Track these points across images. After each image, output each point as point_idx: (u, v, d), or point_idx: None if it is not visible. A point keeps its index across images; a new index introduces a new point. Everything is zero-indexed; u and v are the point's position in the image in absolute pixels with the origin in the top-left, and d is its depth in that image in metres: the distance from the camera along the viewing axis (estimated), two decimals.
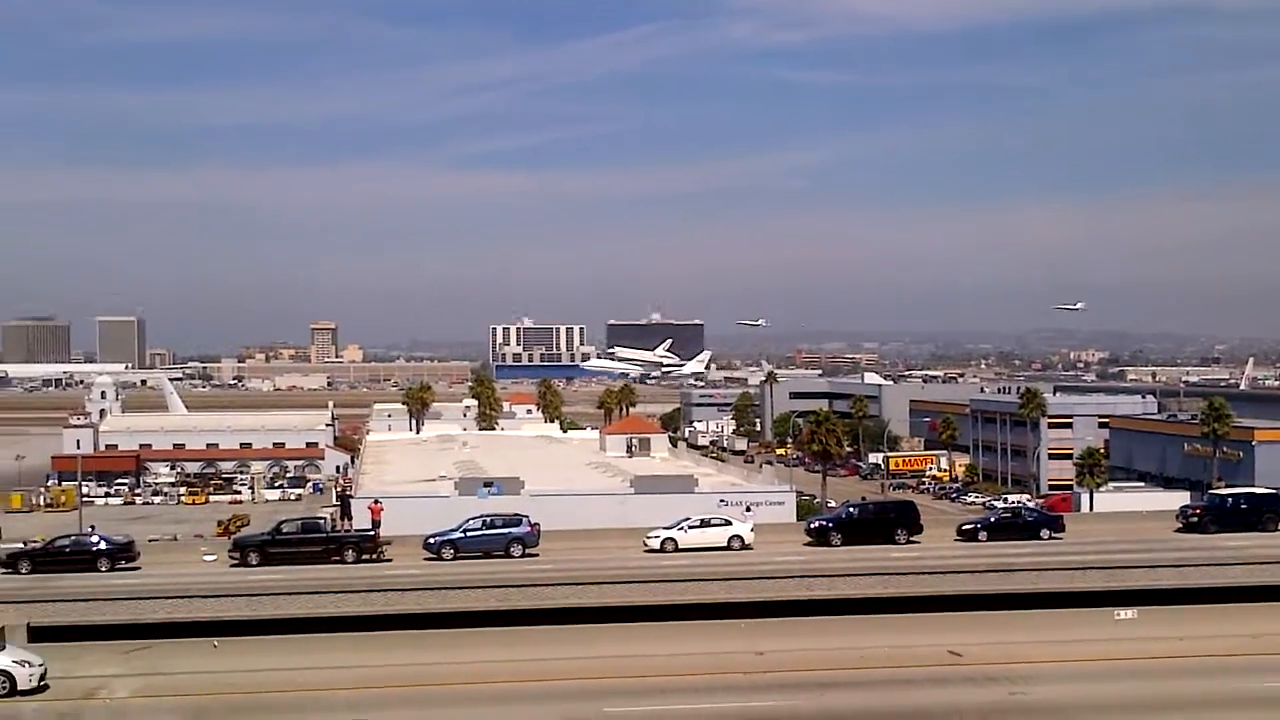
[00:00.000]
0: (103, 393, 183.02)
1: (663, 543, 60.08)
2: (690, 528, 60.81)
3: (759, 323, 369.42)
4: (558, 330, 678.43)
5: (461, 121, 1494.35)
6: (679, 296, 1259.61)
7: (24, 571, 59.98)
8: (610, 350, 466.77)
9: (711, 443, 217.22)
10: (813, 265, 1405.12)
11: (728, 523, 62.15)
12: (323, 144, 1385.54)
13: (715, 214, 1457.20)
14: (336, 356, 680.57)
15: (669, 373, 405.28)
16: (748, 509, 72.94)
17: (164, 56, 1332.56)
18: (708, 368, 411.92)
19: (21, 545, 68.29)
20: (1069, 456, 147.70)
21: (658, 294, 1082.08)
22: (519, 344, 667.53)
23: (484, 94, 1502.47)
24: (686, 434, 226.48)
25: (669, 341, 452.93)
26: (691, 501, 79.49)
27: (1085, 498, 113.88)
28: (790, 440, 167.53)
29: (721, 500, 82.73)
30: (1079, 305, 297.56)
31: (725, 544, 60.13)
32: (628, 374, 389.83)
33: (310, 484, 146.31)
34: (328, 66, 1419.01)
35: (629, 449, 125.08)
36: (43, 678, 39.98)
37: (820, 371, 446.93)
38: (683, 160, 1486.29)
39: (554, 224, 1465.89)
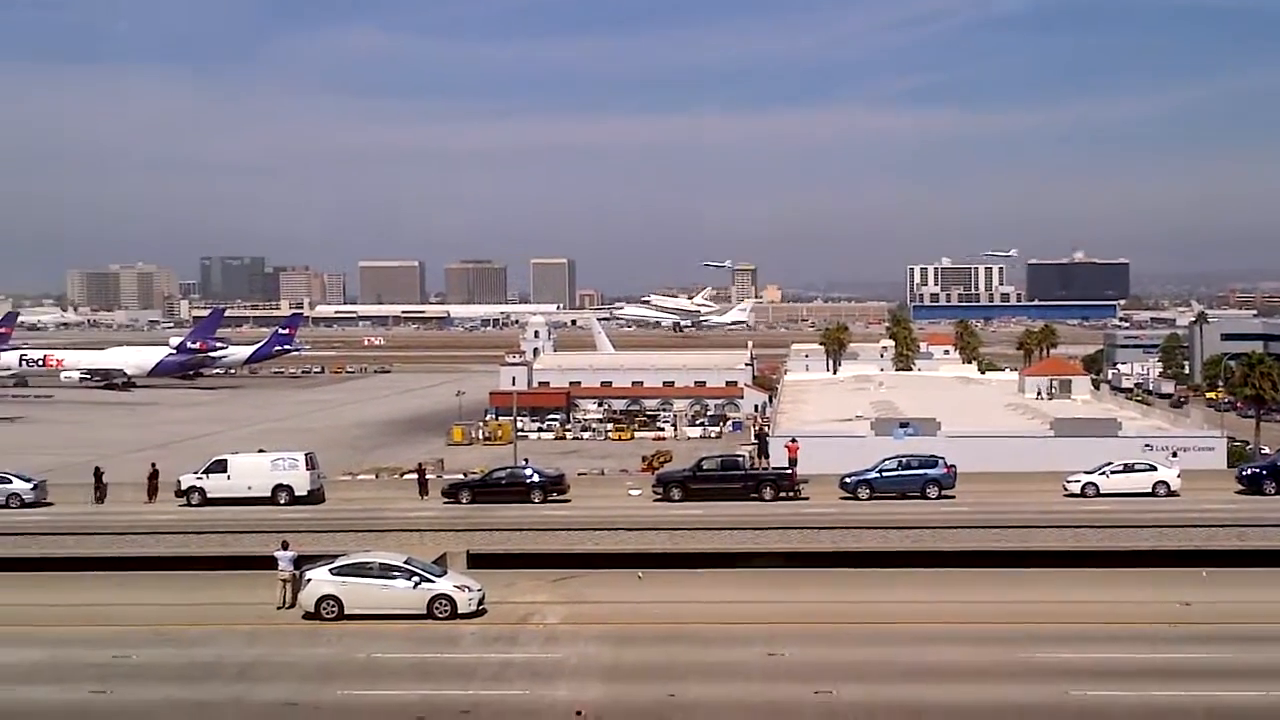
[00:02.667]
0: (536, 332, 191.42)
1: (1083, 487, 58.53)
2: (1113, 472, 59.02)
3: (1010, 253, 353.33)
4: (976, 270, 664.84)
5: (886, 59, 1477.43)
6: (1103, 236, 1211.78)
7: (464, 502, 63.64)
8: (645, 298, 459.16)
9: (1136, 385, 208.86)
10: (1246, 200, 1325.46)
11: (1152, 468, 59.99)
12: (746, 87, 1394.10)
13: (1141, 148, 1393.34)
14: (755, 297, 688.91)
15: (703, 321, 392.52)
16: (1174, 454, 70.15)
17: (619, 7, 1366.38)
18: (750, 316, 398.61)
19: (462, 476, 72.48)
20: None
21: (1080, 233, 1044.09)
22: (937, 284, 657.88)
23: (911, 29, 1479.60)
24: (1110, 376, 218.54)
25: (709, 289, 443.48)
26: (1114, 445, 76.92)
27: None
28: (1221, 384, 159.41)
29: (1146, 445, 79.77)
30: None
31: (1150, 490, 58.06)
32: (660, 321, 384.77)
33: (729, 422, 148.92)
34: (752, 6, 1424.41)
35: (1048, 391, 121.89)
36: (481, 602, 42.23)
37: (1255, 312, 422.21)
38: (1111, 92, 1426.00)
39: (973, 162, 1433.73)
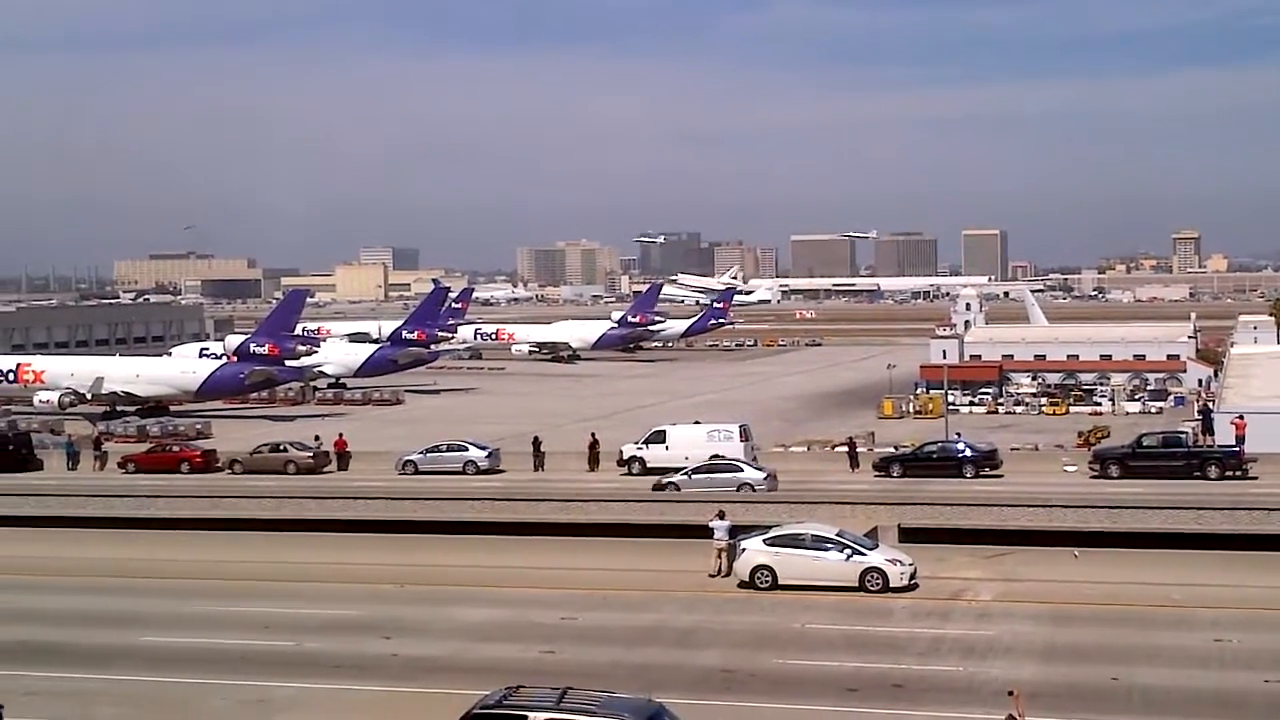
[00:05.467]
0: (967, 304, 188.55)
1: None
2: None
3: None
4: None
5: None
6: None
7: (895, 475, 63.91)
8: (673, 277, 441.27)
9: None
10: None
11: None
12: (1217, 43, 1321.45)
13: None
14: (1199, 266, 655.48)
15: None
16: None
17: None
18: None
19: (893, 450, 72.54)
20: None
21: None
22: None
23: None
24: None
25: (736, 269, 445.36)
26: None
27: None
28: None
29: None
30: None
31: None
32: (684, 300, 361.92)
33: (1171, 397, 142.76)
34: None
35: None
36: (912, 576, 42.31)
37: None
38: None
39: None
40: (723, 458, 65.20)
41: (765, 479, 62.66)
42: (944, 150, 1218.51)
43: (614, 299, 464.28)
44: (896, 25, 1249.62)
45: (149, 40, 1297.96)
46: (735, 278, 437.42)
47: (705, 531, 45.50)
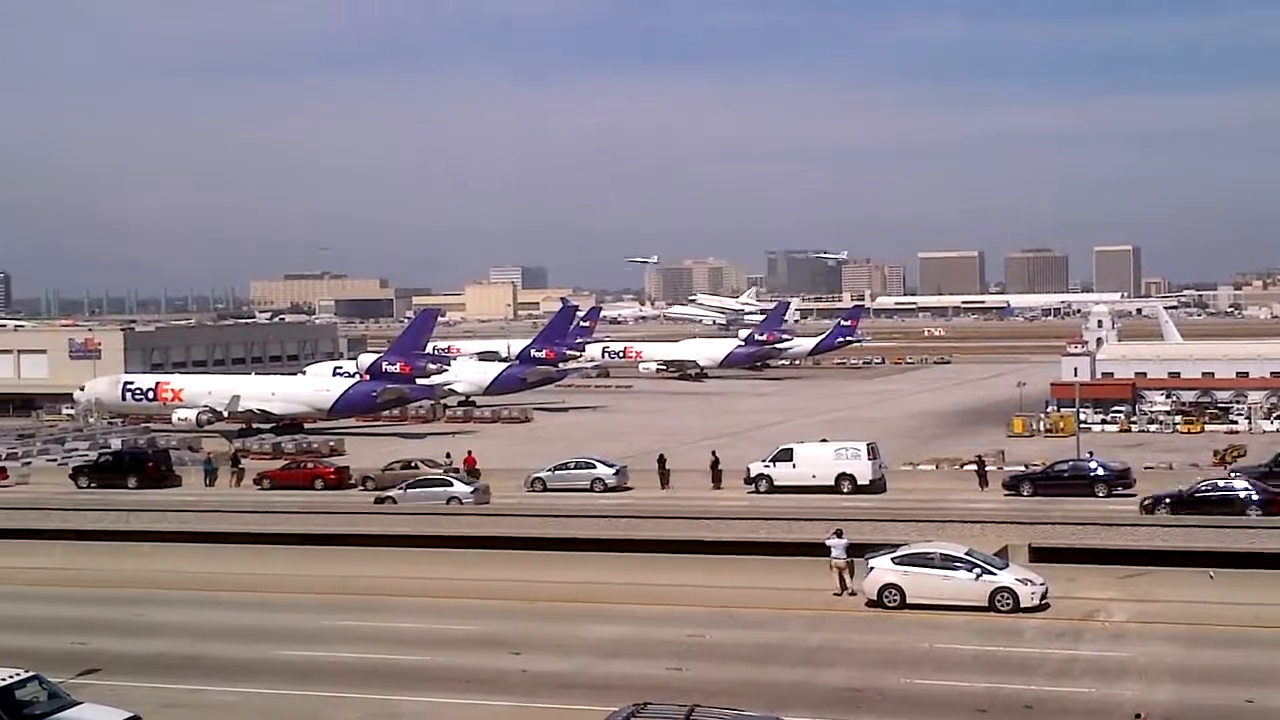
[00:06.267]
0: (1099, 321, 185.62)
1: None
2: None
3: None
4: None
5: None
6: None
7: (1025, 494, 63.17)
8: (692, 297, 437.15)
9: None
10: None
11: None
12: None
13: None
14: None
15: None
16: None
17: None
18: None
19: (1023, 468, 71.68)
20: None
21: None
22: None
23: None
24: None
25: (753, 290, 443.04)
26: None
27: None
28: None
29: None
30: None
31: None
32: (702, 319, 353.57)
33: None
34: None
35: None
36: (1043, 596, 41.79)
37: None
38: None
39: None
40: (431, 474, 71.34)
41: (473, 493, 67.24)
42: (1074, 166, 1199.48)
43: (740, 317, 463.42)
44: (1025, 40, 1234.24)
45: (283, 66, 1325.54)
46: (754, 298, 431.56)
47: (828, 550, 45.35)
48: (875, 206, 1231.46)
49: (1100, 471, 64.87)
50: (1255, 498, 56.69)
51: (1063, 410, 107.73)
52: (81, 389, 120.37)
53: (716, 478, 71.75)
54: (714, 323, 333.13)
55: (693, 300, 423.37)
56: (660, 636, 39.54)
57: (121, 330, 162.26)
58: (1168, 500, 57.86)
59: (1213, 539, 48.82)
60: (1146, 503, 58.18)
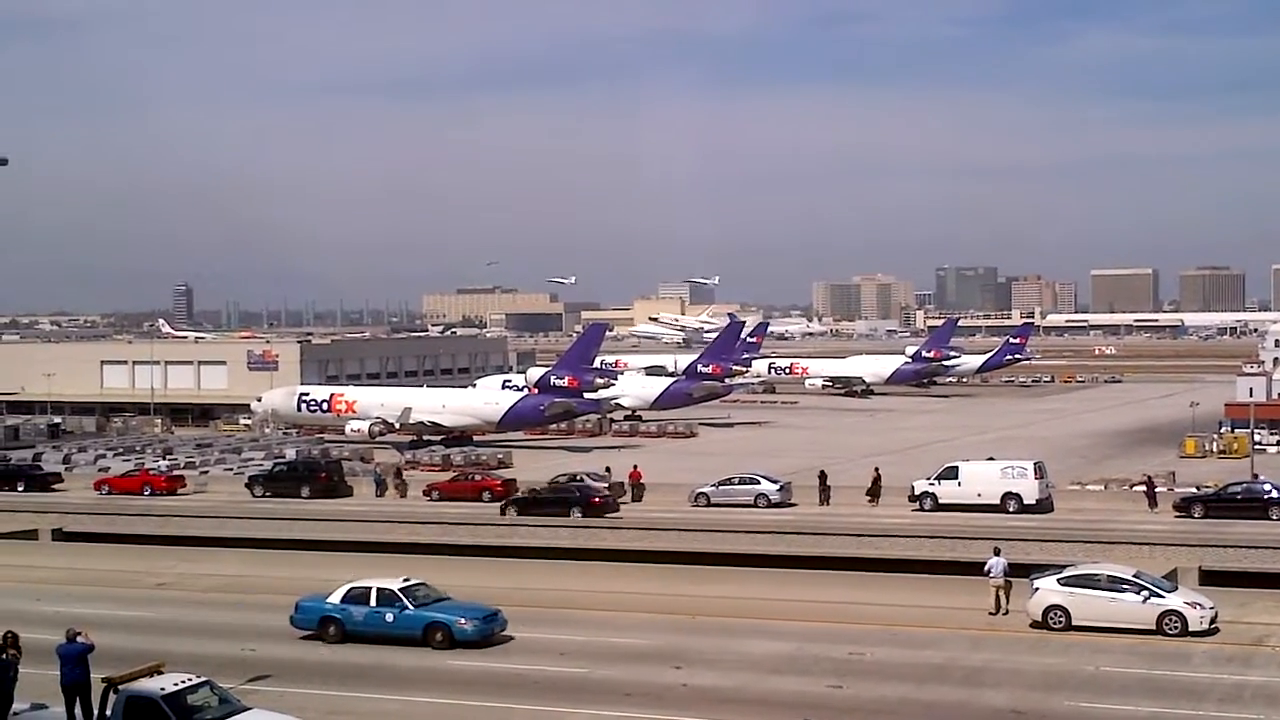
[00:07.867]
0: (1276, 341, 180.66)
1: None
2: None
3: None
4: None
5: None
6: None
7: (1196, 516, 61.99)
8: (654, 316, 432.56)
9: None
10: None
11: None
12: None
13: None
14: None
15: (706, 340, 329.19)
16: None
17: None
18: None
19: (1195, 490, 70.24)
20: None
21: None
22: None
23: None
24: None
25: (713, 308, 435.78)
26: None
27: None
28: None
29: None
30: None
31: None
32: (659, 336, 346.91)
33: None
34: None
35: None
36: (1213, 621, 41.02)
37: None
38: None
39: None
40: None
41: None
42: (1253, 183, 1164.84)
43: (909, 334, 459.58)
44: (1201, 54, 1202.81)
45: (459, 84, 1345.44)
46: (717, 315, 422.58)
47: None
48: (1046, 223, 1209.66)
49: (1275, 494, 63.31)
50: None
51: (1237, 431, 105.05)
52: (259, 400, 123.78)
53: (875, 494, 71.55)
54: (672, 340, 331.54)
55: (654, 319, 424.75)
56: (821, 654, 39.62)
57: (298, 343, 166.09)
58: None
59: None
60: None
